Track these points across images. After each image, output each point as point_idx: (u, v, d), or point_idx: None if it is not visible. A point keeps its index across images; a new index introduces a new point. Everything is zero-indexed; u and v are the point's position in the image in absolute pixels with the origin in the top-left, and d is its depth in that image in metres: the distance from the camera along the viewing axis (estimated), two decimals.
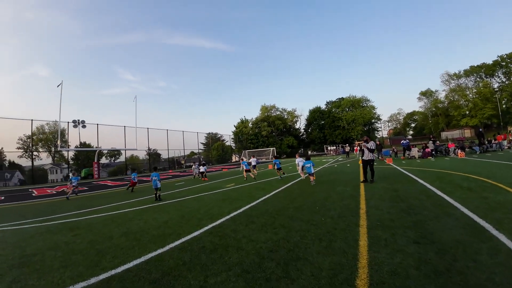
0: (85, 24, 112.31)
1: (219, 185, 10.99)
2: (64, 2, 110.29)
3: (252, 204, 6.36)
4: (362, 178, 9.31)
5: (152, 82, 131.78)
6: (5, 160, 43.39)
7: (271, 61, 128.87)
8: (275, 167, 12.68)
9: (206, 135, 52.10)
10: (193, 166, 18.45)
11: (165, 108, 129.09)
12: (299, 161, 11.35)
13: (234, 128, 56.77)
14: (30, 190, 16.06)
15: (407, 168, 12.47)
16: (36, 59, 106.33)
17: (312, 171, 9.45)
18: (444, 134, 58.68)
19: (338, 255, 3.12)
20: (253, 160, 14.57)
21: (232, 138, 56.57)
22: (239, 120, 57.40)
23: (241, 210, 5.78)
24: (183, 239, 4.11)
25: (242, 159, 15.81)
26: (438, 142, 26.01)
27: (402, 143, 21.62)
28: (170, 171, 31.51)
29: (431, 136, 27.60)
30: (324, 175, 11.85)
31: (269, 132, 52.98)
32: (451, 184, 7.17)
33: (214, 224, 4.84)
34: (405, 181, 8.47)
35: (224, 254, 3.39)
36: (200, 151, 50.99)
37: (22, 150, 41.96)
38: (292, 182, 10.09)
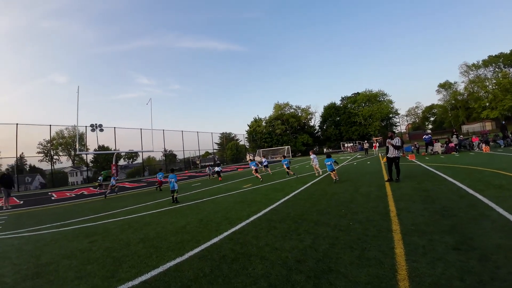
0: (100, 31, 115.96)
1: (236, 186, 10.76)
2: (79, 11, 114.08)
3: (271, 207, 6.05)
4: (386, 177, 8.82)
5: (166, 85, 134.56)
6: (26, 164, 45.32)
7: (284, 58, 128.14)
8: (285, 166, 13.04)
9: (220, 135, 52.23)
10: (207, 168, 18.48)
11: (179, 110, 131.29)
12: (313, 157, 12.12)
13: (248, 128, 56.56)
14: (49, 193, 16.45)
15: (432, 164, 11.87)
16: (53, 67, 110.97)
17: (334, 168, 9.49)
18: (464, 128, 55.90)
19: (374, 266, 2.78)
20: (264, 160, 14.45)
21: (246, 138, 56.46)
22: (253, 119, 57.17)
23: (260, 214, 5.48)
24: (202, 247, 3.87)
25: (251, 160, 15.92)
26: (461, 136, 24.77)
27: (424, 138, 20.66)
28: (186, 171, 31.75)
29: (453, 130, 26.34)
30: (344, 174, 11.36)
31: (283, 130, 52.35)
32: (481, 181, 6.76)
33: (233, 229, 4.58)
34: (433, 179, 7.96)
35: (247, 265, 3.11)
36: (215, 151, 51.22)
37: (42, 155, 43.64)
38: (311, 183, 9.69)
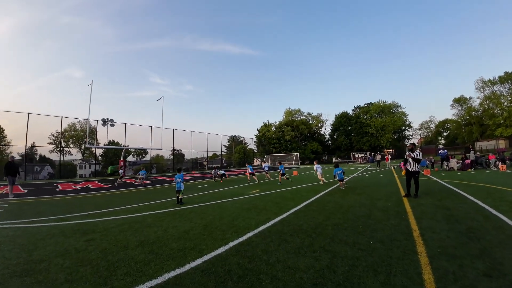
0: (118, 30, 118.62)
1: (243, 191, 10.35)
2: (99, 9, 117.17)
3: (281, 217, 5.62)
4: (403, 192, 8.30)
5: (179, 85, 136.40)
6: (36, 154, 46.13)
7: (297, 65, 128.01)
8: (280, 172, 13.21)
9: (228, 137, 52.08)
10: (213, 170, 18.23)
11: (190, 110, 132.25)
12: (317, 167, 12.58)
13: (257, 132, 56.25)
14: (55, 184, 16.33)
15: (449, 181, 11.36)
16: (71, 62, 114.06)
17: (343, 177, 10.27)
18: (478, 145, 54.00)
19: None
20: (265, 165, 15.29)
21: (254, 142, 56.14)
22: (262, 124, 56.85)
23: (270, 224, 5.07)
24: (206, 257, 3.48)
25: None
26: (478, 153, 23.82)
27: (440, 153, 19.92)
28: (193, 172, 31.55)
29: (469, 147, 25.48)
30: (358, 186, 10.82)
31: (292, 137, 51.81)
32: (504, 201, 6.58)
33: (240, 239, 4.18)
34: (454, 197, 7.57)
35: (256, 284, 2.72)
36: (223, 153, 51.05)
37: (53, 146, 44.32)
38: (322, 193, 9.21)
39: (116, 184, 15.54)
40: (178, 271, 3.09)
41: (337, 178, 10.34)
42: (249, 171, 14.49)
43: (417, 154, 7.88)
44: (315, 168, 12.79)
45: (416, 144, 71.26)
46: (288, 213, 6.01)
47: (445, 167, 18.49)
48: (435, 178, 12.72)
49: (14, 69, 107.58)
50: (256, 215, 5.92)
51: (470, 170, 16.99)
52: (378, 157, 27.10)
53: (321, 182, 11.97)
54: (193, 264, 3.28)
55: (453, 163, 18.36)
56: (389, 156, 25.66)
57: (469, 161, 18.02)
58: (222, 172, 16.16)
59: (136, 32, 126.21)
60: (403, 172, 8.54)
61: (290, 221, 5.28)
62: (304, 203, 7.13)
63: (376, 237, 4.17)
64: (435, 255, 3.34)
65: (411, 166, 7.87)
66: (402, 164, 19.23)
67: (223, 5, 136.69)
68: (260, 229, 4.74)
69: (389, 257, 3.33)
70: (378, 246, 3.74)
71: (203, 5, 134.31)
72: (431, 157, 22.98)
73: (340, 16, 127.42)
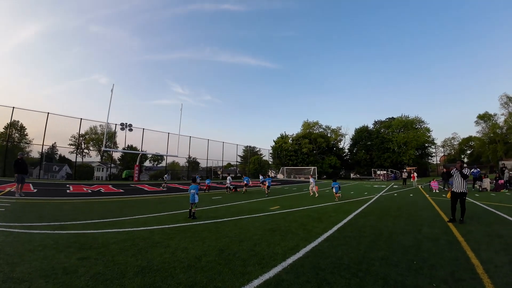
0: (144, 41, 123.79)
1: (262, 207, 9.33)
2: (126, 20, 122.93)
3: (313, 245, 4.60)
4: (444, 216, 7.26)
5: (198, 96, 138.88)
6: (57, 153, 47.37)
7: (316, 77, 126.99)
8: (267, 185, 14.24)
9: (244, 148, 51.39)
10: (228, 178, 17.23)
11: (207, 120, 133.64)
12: (312, 180, 14.59)
13: (274, 143, 55.22)
14: (67, 185, 15.96)
15: (487, 203, 10.46)
16: (98, 68, 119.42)
17: (338, 191, 11.67)
18: (501, 164, 49.82)
19: None
20: (265, 178, 15.50)
21: (270, 153, 55.08)
22: (279, 135, 55.82)
23: (301, 254, 4.07)
24: None
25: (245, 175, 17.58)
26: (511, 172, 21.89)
27: (472, 172, 18.32)
28: (206, 185, 30.84)
29: (503, 166, 23.65)
30: (391, 208, 9.55)
31: (310, 150, 50.27)
32: None
33: (266, 276, 3.22)
34: (501, 222, 7.00)
35: None
36: (237, 163, 50.35)
37: (73, 147, 45.31)
38: (354, 214, 8.07)
39: (163, 187, 17.30)
40: None
41: (334, 190, 11.69)
42: (245, 183, 15.86)
43: (466, 171, 6.86)
44: (310, 182, 14.62)
45: (439, 163, 67.60)
46: (319, 239, 4.98)
47: (477, 187, 17.49)
48: (471, 200, 11.63)
49: (43, 72, 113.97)
50: (281, 239, 4.94)
51: (503, 190, 16.09)
52: (405, 175, 25.24)
53: (311, 193, 13.99)
54: None
55: (486, 183, 17.29)
56: (415, 174, 23.87)
57: (502, 181, 17.01)
58: (229, 182, 15.93)
59: (160, 44, 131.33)
60: (448, 195, 7.42)
61: (324, 251, 4.26)
62: (336, 227, 6.05)
63: (437, 276, 3.31)
64: None
65: (459, 187, 6.85)
66: (432, 183, 17.81)
67: (241, 19, 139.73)
68: (289, 261, 3.77)
69: None
70: None
71: (223, 19, 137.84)
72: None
73: (361, 27, 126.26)
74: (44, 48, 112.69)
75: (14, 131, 39.11)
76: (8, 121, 22.01)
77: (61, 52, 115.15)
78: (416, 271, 3.47)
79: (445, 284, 3.05)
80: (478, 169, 20.19)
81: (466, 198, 7.00)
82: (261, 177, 18.76)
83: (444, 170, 22.31)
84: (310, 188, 14.33)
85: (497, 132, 53.59)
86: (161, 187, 17.51)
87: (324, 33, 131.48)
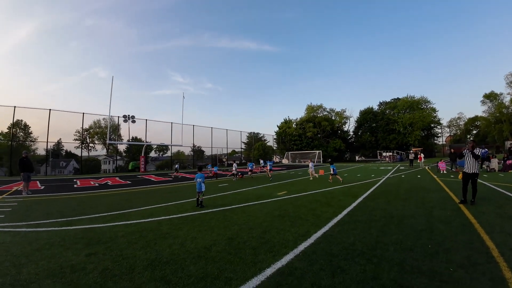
0: (140, 30, 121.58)
1: (269, 193, 9.28)
2: (121, 10, 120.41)
3: (324, 230, 4.51)
4: (455, 197, 7.11)
5: (200, 84, 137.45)
6: (63, 149, 47.84)
7: (319, 60, 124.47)
8: (268, 168, 15.27)
9: (248, 134, 51.18)
10: (234, 164, 17.25)
11: (210, 108, 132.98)
12: (311, 165, 15.35)
13: (277, 129, 54.84)
14: (74, 180, 16.08)
15: (497, 184, 10.20)
16: (96, 62, 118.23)
17: (337, 172, 12.51)
18: (507, 143, 48.88)
19: None
20: (269, 163, 15.86)
21: (274, 139, 54.83)
22: (283, 120, 55.28)
23: (312, 241, 3.98)
24: None
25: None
26: None
27: (481, 152, 17.96)
28: (212, 169, 31.01)
29: (510, 145, 23.34)
30: (399, 190, 9.43)
31: (314, 134, 49.80)
32: None
33: (278, 264, 3.14)
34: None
35: None
36: (242, 150, 50.36)
37: (79, 142, 45.61)
38: (362, 197, 7.97)
39: (173, 177, 17.89)
40: None
41: (333, 173, 12.38)
42: (249, 168, 16.71)
43: (478, 151, 6.65)
44: (310, 166, 15.24)
45: (445, 143, 66.83)
46: (330, 224, 4.89)
47: (485, 167, 17.23)
48: (480, 181, 11.22)
49: (42, 69, 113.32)
50: (291, 225, 4.86)
51: (511, 171, 15.87)
52: (411, 156, 24.93)
53: (311, 178, 14.57)
54: None
55: (495, 163, 17.06)
56: (422, 155, 23.56)
57: (510, 161, 16.63)
58: (235, 170, 16.11)
59: (157, 32, 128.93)
60: (460, 176, 7.22)
61: (336, 237, 4.16)
62: (346, 211, 5.95)
63: (453, 260, 3.19)
64: None
65: (470, 167, 6.66)
66: (439, 164, 17.60)
67: (240, 1, 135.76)
68: (301, 247, 3.68)
69: None
70: (462, 275, 2.80)
71: (221, 2, 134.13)
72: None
73: (365, 8, 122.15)
74: (40, 45, 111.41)
75: (18, 130, 39.38)
76: (11, 121, 22.05)
77: (58, 48, 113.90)
78: (431, 255, 3.36)
79: (462, 269, 2.93)
80: (486, 149, 19.86)
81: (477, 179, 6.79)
82: (261, 161, 20.30)
83: (452, 150, 21.87)
84: (310, 172, 15.08)
85: (503, 112, 52.18)
86: (172, 176, 18.33)
87: (325, 13, 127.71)
